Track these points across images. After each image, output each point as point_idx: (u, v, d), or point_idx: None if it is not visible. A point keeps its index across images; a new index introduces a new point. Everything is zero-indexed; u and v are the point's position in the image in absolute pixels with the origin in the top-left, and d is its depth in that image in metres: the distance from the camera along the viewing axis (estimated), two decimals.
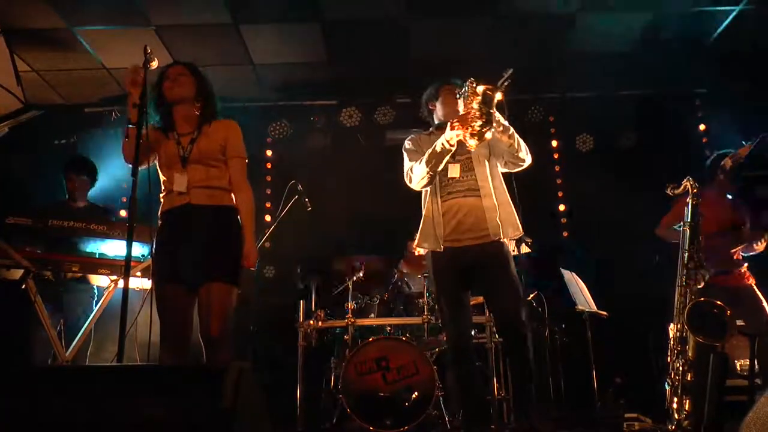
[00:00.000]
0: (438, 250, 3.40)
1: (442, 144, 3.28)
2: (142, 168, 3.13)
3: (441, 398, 4.42)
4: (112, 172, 5.88)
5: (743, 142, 4.65)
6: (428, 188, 3.53)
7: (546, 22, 5.60)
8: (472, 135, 3.18)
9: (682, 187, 3.74)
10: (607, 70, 6.15)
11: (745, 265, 4.51)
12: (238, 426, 1.56)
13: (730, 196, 4.68)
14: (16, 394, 1.67)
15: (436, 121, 3.72)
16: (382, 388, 4.35)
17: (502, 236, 3.36)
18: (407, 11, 5.41)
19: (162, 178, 3.16)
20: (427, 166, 3.38)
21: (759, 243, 4.49)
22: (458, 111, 3.44)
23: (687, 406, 3.44)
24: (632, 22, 5.64)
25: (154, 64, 3.02)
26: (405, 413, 4.26)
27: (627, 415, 4.95)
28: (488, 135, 3.17)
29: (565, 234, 6.77)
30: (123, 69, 6.05)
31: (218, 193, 3.10)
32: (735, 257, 4.47)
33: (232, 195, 3.17)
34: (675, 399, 3.51)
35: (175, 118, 3.17)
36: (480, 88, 3.20)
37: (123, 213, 5.82)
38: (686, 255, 3.72)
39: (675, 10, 5.42)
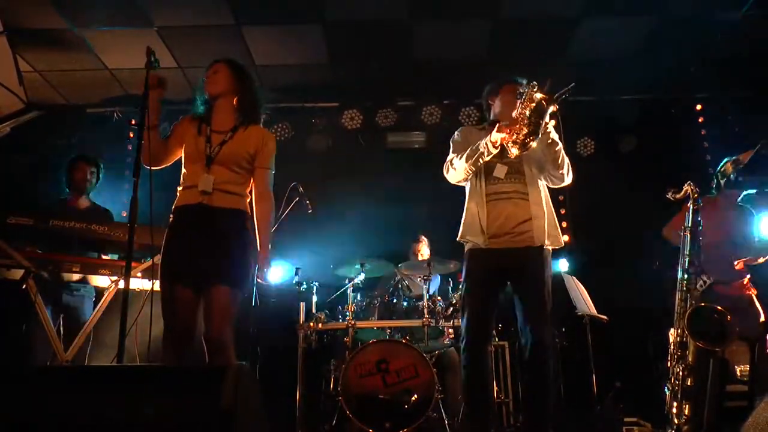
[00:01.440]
0: (483, 247, 3.36)
1: (486, 144, 3.27)
2: (162, 166, 3.17)
3: (440, 401, 4.42)
4: (112, 173, 5.88)
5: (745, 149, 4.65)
6: (469, 185, 3.52)
7: (548, 26, 5.60)
8: (515, 142, 3.17)
9: (683, 192, 3.74)
10: (608, 74, 6.15)
11: (747, 276, 4.46)
12: (238, 427, 1.56)
13: (740, 204, 4.66)
14: (15, 394, 1.67)
15: (491, 117, 3.67)
16: (382, 391, 4.35)
17: (548, 242, 3.36)
18: (409, 13, 5.41)
19: (183, 171, 3.16)
20: (466, 162, 3.38)
21: (763, 256, 4.45)
22: (515, 111, 3.42)
23: (687, 411, 3.44)
24: (634, 26, 5.64)
25: (158, 66, 3.02)
26: (404, 416, 4.25)
27: (627, 420, 4.95)
28: (533, 144, 3.16)
29: (565, 238, 6.76)
30: (125, 70, 6.13)
31: (235, 198, 3.10)
32: (736, 268, 4.43)
33: (248, 202, 3.18)
34: (675, 404, 3.51)
35: (214, 112, 3.19)
36: (537, 95, 3.16)
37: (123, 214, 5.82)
38: (687, 260, 3.72)
39: (677, 15, 5.42)
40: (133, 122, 2.97)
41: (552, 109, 3.19)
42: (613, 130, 6.76)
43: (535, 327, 3.28)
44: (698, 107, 6.78)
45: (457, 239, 3.56)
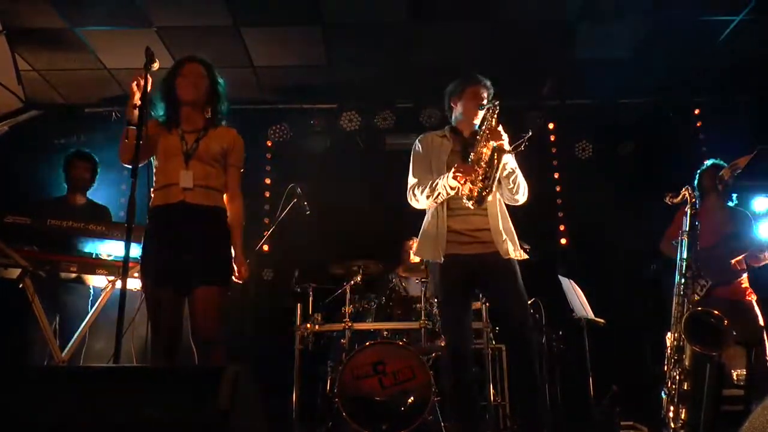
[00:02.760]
0: (438, 261, 3.34)
1: (444, 186, 3.29)
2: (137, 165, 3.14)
3: (437, 403, 4.41)
4: (111, 173, 5.88)
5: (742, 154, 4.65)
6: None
7: (546, 29, 5.60)
8: (469, 197, 3.22)
9: (680, 196, 3.74)
10: (607, 77, 6.16)
11: (745, 276, 4.45)
12: (235, 428, 1.56)
13: (731, 204, 4.65)
14: (11, 394, 1.66)
15: (453, 119, 3.65)
16: (379, 393, 4.34)
17: (513, 254, 3.34)
18: (408, 15, 5.41)
19: (157, 171, 3.14)
20: (427, 199, 3.40)
21: (765, 253, 4.43)
22: (476, 119, 3.41)
23: (683, 415, 3.44)
24: (633, 30, 5.65)
25: (156, 65, 3.01)
26: (401, 418, 4.25)
27: (623, 423, 4.95)
28: (489, 198, 3.21)
29: (563, 241, 6.77)
30: (124, 70, 6.13)
31: (214, 194, 3.11)
32: (733, 267, 4.42)
33: (225, 198, 3.18)
34: (671, 407, 3.51)
35: (182, 115, 3.16)
36: (493, 144, 3.20)
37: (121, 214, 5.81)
38: (684, 264, 3.72)
39: (676, 19, 5.43)
40: (131, 121, 2.95)
41: (504, 160, 3.25)
42: (611, 133, 6.77)
43: (519, 323, 3.26)
44: (696, 111, 6.79)
45: (413, 254, 3.59)
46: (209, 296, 2.94)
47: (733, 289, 4.37)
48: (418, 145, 3.63)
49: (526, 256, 3.44)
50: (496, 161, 3.21)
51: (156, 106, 3.17)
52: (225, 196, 3.20)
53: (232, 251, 3.13)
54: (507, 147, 3.22)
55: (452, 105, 3.67)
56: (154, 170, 3.16)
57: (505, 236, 3.35)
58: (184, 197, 3.02)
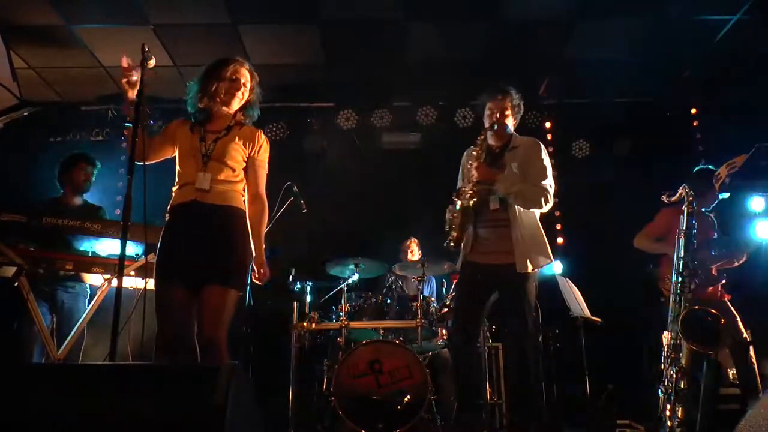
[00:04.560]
0: (469, 260, 3.59)
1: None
2: (152, 162, 3.14)
3: (433, 402, 4.41)
4: (106, 171, 5.86)
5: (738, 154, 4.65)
6: None
7: (544, 28, 5.61)
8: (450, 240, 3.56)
9: (677, 195, 3.73)
10: (604, 76, 6.17)
11: (723, 281, 4.48)
12: (231, 426, 1.55)
13: (704, 211, 4.64)
14: (7, 392, 1.66)
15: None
16: (375, 391, 4.34)
17: (530, 268, 3.47)
18: (406, 14, 5.41)
19: (178, 170, 3.13)
20: None
21: (740, 256, 4.46)
22: (493, 128, 3.62)
23: (680, 414, 3.44)
24: (630, 29, 5.65)
25: (152, 63, 2.98)
26: (397, 417, 4.24)
27: (619, 422, 4.95)
28: (462, 242, 3.57)
29: (560, 240, 6.77)
30: (120, 68, 6.08)
31: (230, 194, 3.07)
32: (714, 273, 4.44)
33: (243, 199, 3.15)
34: (668, 406, 3.50)
35: (212, 115, 3.16)
36: (472, 190, 3.52)
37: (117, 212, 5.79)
38: (681, 263, 3.71)
39: (673, 18, 5.44)
40: (129, 119, 2.93)
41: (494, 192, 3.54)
42: (608, 132, 6.78)
43: (523, 338, 3.47)
44: (693, 111, 6.80)
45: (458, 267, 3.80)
46: (216, 297, 2.89)
47: (713, 291, 4.42)
48: (464, 157, 3.85)
49: (548, 263, 3.57)
50: (463, 217, 3.51)
51: (188, 103, 3.17)
52: (247, 198, 3.17)
53: (253, 252, 3.09)
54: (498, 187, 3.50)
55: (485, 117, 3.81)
56: (177, 169, 3.15)
57: (526, 247, 3.48)
58: (196, 197, 2.99)
